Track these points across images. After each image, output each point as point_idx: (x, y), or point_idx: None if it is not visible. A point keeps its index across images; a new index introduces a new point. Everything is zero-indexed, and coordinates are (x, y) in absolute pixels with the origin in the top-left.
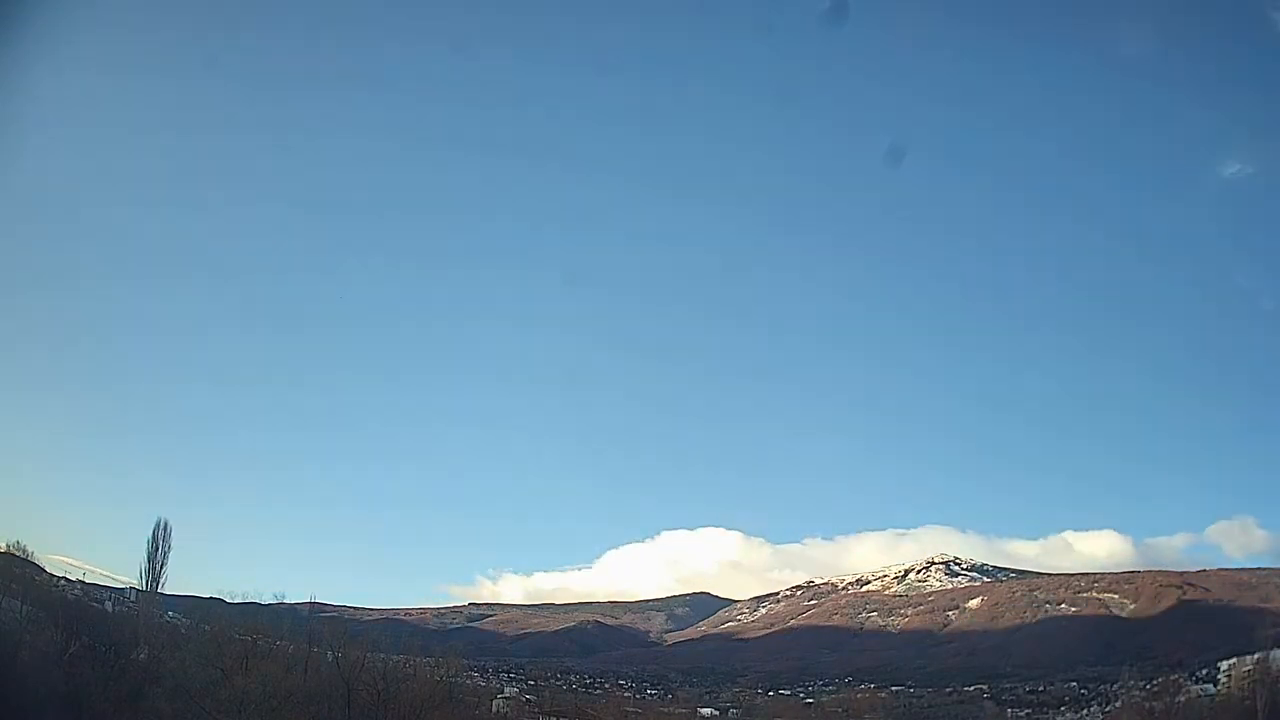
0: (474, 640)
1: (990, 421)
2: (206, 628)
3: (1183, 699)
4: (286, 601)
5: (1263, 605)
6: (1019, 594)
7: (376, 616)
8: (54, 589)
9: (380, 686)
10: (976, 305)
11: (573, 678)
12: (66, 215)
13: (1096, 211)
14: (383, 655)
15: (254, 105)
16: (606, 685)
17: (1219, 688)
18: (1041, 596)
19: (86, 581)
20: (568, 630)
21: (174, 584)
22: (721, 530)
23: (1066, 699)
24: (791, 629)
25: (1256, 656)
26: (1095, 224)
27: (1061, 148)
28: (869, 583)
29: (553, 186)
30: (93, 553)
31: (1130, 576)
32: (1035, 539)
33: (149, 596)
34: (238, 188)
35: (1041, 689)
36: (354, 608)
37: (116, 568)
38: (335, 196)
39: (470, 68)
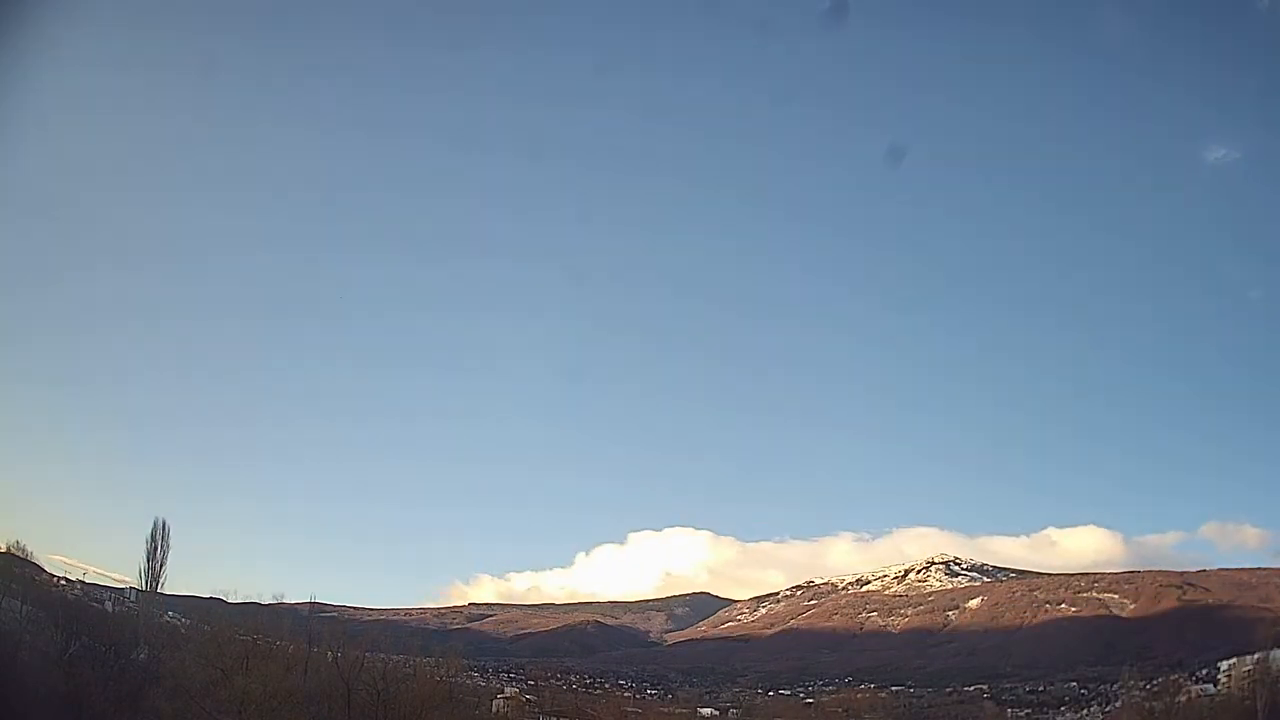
0: (474, 640)
1: (970, 418)
2: (206, 628)
3: (1183, 699)
4: (286, 602)
5: (1263, 605)
6: (1019, 594)
7: (376, 616)
8: (54, 589)
9: (380, 686)
10: (965, 301)
11: (573, 678)
12: (64, 210)
13: (1083, 202)
14: (383, 655)
15: (256, 101)
16: (606, 685)
17: (1219, 688)
18: (1041, 596)
19: (86, 581)
20: (568, 630)
21: (174, 584)
22: (691, 530)
23: (1066, 699)
24: (791, 629)
25: (1256, 656)
26: (1081, 214)
27: (1050, 136)
28: (869, 583)
29: (553, 183)
30: (92, 553)
31: (1130, 576)
32: (1018, 535)
33: (149, 596)
34: (237, 182)
35: (1041, 689)
36: (354, 608)
37: (116, 568)
38: (335, 191)
39: (471, 66)
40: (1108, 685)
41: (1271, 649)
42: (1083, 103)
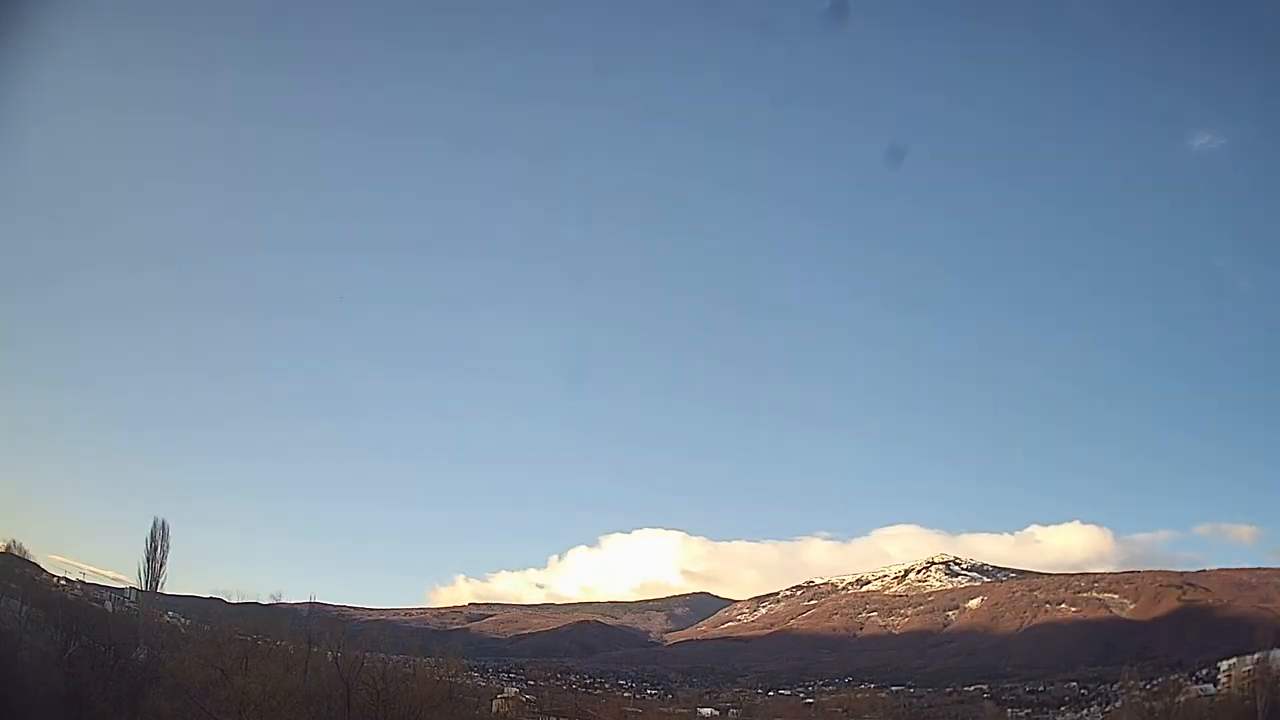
0: (474, 640)
1: (955, 416)
2: (206, 628)
3: (1183, 699)
4: (286, 601)
5: (1263, 605)
6: (1019, 594)
7: (376, 616)
8: (54, 589)
9: (380, 686)
10: (960, 300)
11: (573, 678)
12: (64, 209)
13: (1082, 202)
14: (382, 655)
15: (256, 101)
16: (606, 685)
17: (1219, 688)
18: (1041, 596)
19: (86, 581)
20: (568, 630)
21: (173, 584)
22: (662, 530)
23: (1066, 699)
24: (791, 629)
25: (1256, 656)
26: (1080, 214)
27: (1049, 136)
28: (869, 583)
29: (553, 183)
30: (92, 553)
31: (1130, 576)
32: (1001, 533)
33: (148, 596)
34: (237, 181)
35: (1041, 689)
36: (354, 608)
37: (116, 568)
38: (334, 191)
39: (471, 66)
40: (1108, 685)
41: (1271, 649)
42: (1081, 102)
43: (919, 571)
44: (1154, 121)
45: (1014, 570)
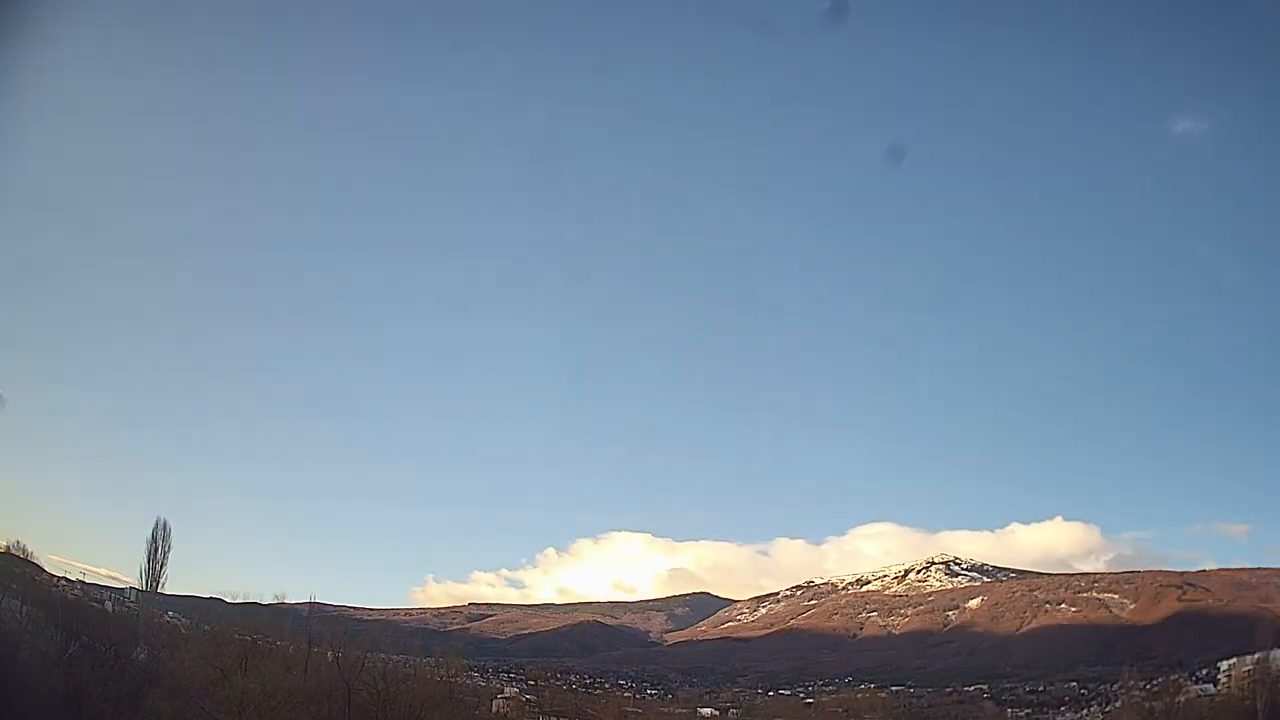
0: (474, 640)
1: (930, 414)
2: (206, 628)
3: (1183, 699)
4: (286, 602)
5: (1263, 605)
6: (1019, 594)
7: (376, 616)
8: (54, 589)
9: (380, 687)
10: (953, 300)
11: (573, 678)
12: (64, 208)
13: (1068, 193)
14: (383, 655)
15: (256, 100)
16: (606, 685)
17: (1219, 688)
18: (1041, 596)
19: (86, 581)
20: (568, 630)
21: (174, 584)
22: (629, 533)
23: (1066, 699)
24: (791, 629)
25: (1256, 656)
26: (1066, 205)
27: (1049, 136)
28: (869, 583)
29: (553, 182)
30: (92, 553)
31: (1130, 577)
32: (979, 530)
33: (149, 596)
34: (237, 181)
35: (1041, 689)
36: (354, 608)
37: (116, 568)
38: (334, 191)
39: (471, 66)
40: (1108, 685)
41: (1271, 649)
42: (1081, 102)
43: (919, 571)
44: (1136, 108)
45: (1014, 570)
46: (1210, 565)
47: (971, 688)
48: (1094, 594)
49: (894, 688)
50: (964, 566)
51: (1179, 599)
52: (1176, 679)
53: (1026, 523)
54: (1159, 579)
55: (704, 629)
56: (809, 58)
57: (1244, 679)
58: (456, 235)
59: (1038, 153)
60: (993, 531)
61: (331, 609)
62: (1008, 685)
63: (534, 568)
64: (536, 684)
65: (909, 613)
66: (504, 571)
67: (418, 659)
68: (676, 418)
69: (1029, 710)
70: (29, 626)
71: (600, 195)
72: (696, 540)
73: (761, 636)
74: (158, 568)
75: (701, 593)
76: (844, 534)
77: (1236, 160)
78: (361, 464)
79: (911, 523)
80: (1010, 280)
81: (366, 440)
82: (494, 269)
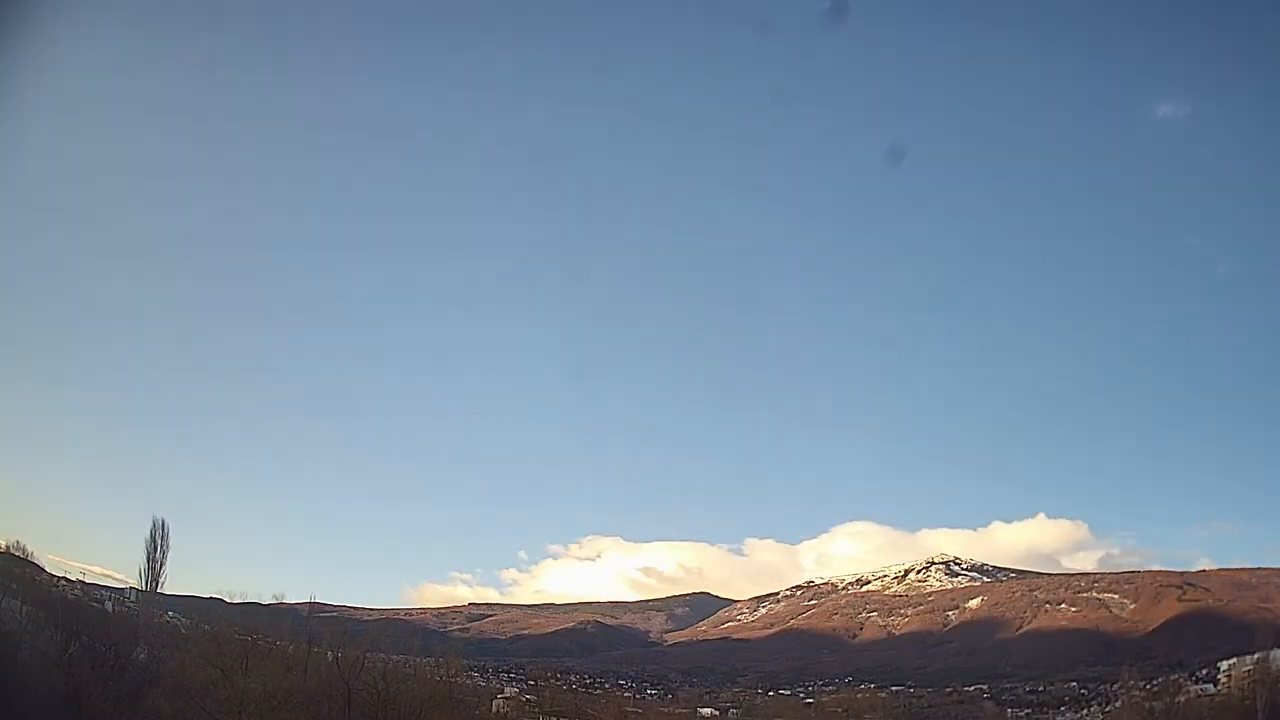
0: (474, 640)
1: (906, 411)
2: (206, 628)
3: (1183, 699)
4: (286, 601)
5: (1263, 605)
6: (1019, 594)
7: (376, 616)
8: (54, 589)
9: (380, 687)
10: (947, 297)
11: (573, 678)
12: (64, 207)
13: (1052, 182)
14: (383, 655)
15: (256, 100)
16: (606, 685)
17: (1219, 688)
18: (1041, 597)
19: (86, 581)
20: (568, 630)
21: (174, 584)
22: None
23: (1066, 699)
24: (791, 629)
25: (1256, 656)
26: (1033, 187)
27: (1049, 136)
28: (869, 583)
29: (554, 182)
30: (92, 553)
31: (1130, 577)
32: (960, 529)
33: (149, 596)
34: (237, 180)
35: (1041, 689)
36: (354, 608)
37: (116, 568)
38: (335, 190)
39: (471, 66)
40: (1108, 685)
41: (1271, 649)
42: (1081, 102)
43: (919, 571)
44: (1132, 105)
45: (1014, 570)
46: (1205, 562)
47: (971, 688)
48: (1094, 594)
49: (894, 688)
50: (964, 566)
51: (1179, 599)
52: (1176, 679)
53: (1008, 521)
54: (1159, 579)
55: (704, 629)
56: (809, 58)
57: (1244, 679)
58: (456, 235)
59: (1037, 152)
60: (974, 530)
61: (331, 609)
62: (1008, 685)
63: (524, 572)
64: (536, 684)
65: (909, 613)
66: (504, 571)
67: (418, 659)
68: (673, 417)
69: (1029, 710)
70: (29, 626)
71: (600, 195)
72: (666, 540)
73: (761, 636)
74: (157, 568)
75: (701, 593)
76: (828, 531)
77: (1219, 149)
78: (361, 464)
79: (892, 522)
80: (1007, 279)
81: (366, 440)
82: (494, 269)
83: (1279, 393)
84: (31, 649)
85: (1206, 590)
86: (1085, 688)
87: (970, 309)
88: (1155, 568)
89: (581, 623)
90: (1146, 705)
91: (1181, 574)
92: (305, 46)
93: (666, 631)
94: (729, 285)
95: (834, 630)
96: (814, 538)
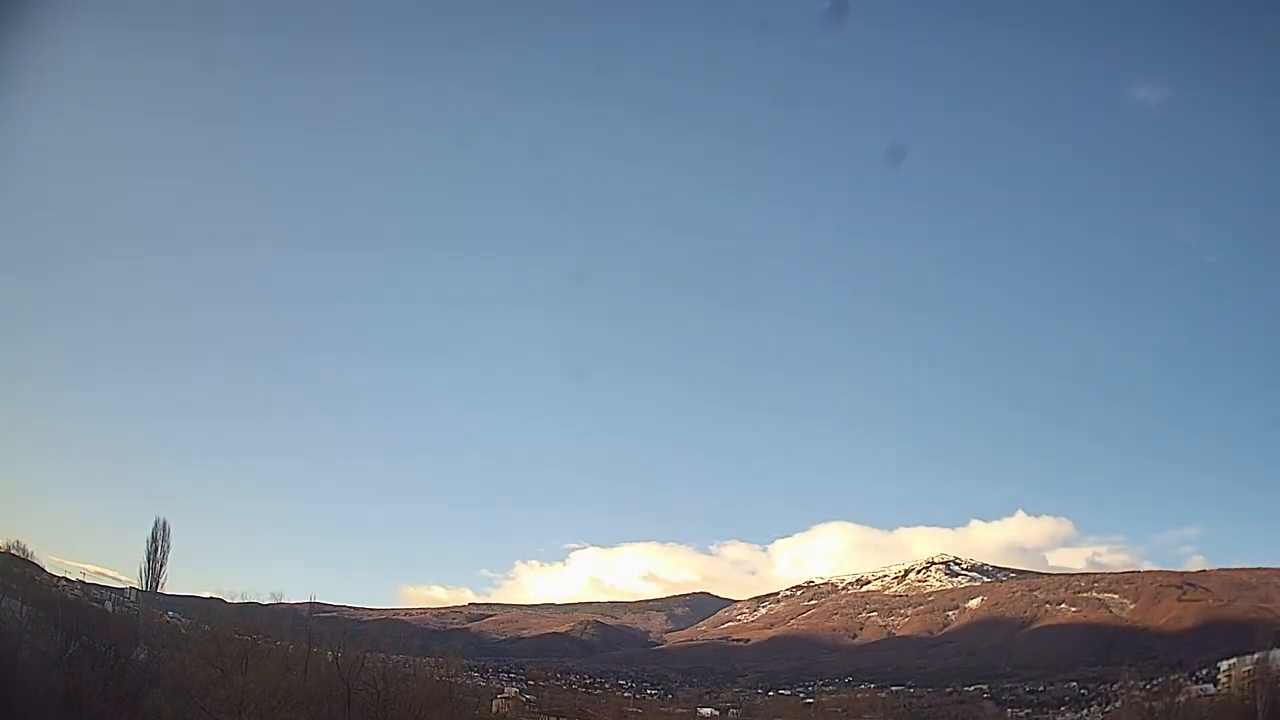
0: (474, 640)
1: (873, 408)
2: (206, 628)
3: (1183, 699)
4: (286, 601)
5: (1263, 605)
6: (1019, 594)
7: (376, 616)
8: (54, 589)
9: (380, 687)
10: (946, 297)
11: (573, 678)
12: (64, 205)
13: (1083, 202)
14: (383, 655)
15: (257, 99)
16: (606, 685)
17: (1219, 688)
18: (1041, 596)
19: (86, 581)
20: (568, 630)
21: (174, 584)
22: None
23: (1066, 699)
24: (791, 629)
25: (1256, 656)
26: (1066, 205)
27: (1049, 136)
28: (869, 583)
29: (554, 181)
30: (92, 553)
31: (1130, 577)
32: (937, 528)
33: (149, 596)
34: (238, 178)
35: (1041, 689)
36: (354, 608)
37: (116, 568)
38: (335, 188)
39: (472, 65)
40: (1108, 685)
41: (1271, 649)
42: (1081, 102)
43: (919, 571)
44: (1097, 72)
45: (1014, 570)
46: (1198, 560)
47: (971, 688)
48: (1094, 594)
49: (894, 688)
50: (964, 566)
51: (1179, 599)
52: (1176, 679)
53: (987, 520)
54: (1159, 579)
55: (704, 629)
56: (809, 58)
57: (1244, 679)
58: (456, 235)
59: (1037, 152)
60: (953, 529)
61: (331, 609)
62: (1008, 685)
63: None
64: (536, 684)
65: (909, 613)
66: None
67: (418, 659)
68: (671, 417)
69: (1029, 710)
70: (29, 626)
71: (600, 195)
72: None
73: (761, 636)
74: (158, 567)
75: (701, 593)
76: (806, 530)
77: (1197, 136)
78: (362, 463)
79: (870, 521)
80: (1004, 279)
81: (367, 439)
82: (494, 268)
83: (1274, 388)
84: (31, 649)
85: (1206, 590)
86: (1085, 688)
87: (959, 307)
88: (1149, 567)
89: (581, 623)
90: (1146, 705)
91: (1181, 574)
92: (305, 46)
93: (666, 631)
94: (728, 285)
95: (834, 630)
96: (789, 536)
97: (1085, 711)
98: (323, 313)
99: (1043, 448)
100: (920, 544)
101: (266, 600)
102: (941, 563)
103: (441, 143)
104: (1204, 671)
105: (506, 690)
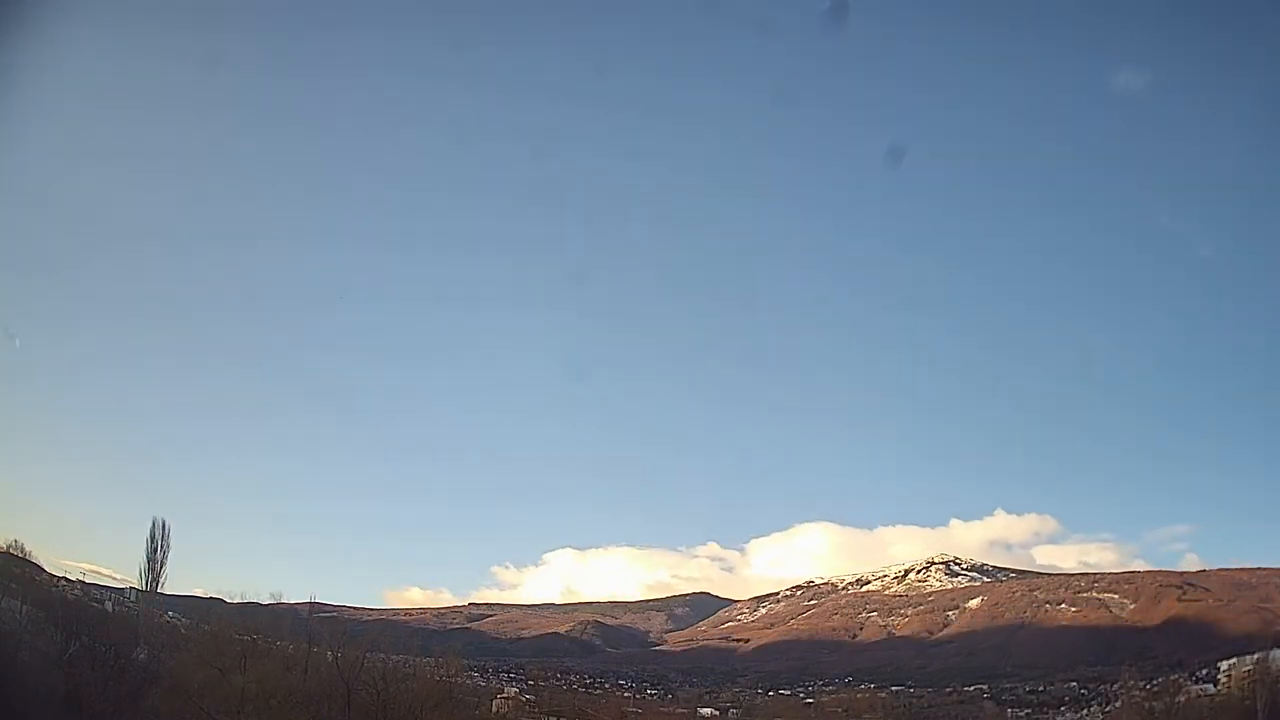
0: (474, 640)
1: (858, 406)
2: (206, 628)
3: (1183, 699)
4: (286, 601)
5: (1263, 605)
6: (1019, 594)
7: (376, 616)
8: (54, 589)
9: (380, 687)
10: (945, 296)
11: (573, 678)
12: (64, 204)
13: (1083, 203)
14: (382, 655)
15: (258, 98)
16: (606, 685)
17: (1219, 688)
18: (1041, 596)
19: (86, 581)
20: (568, 630)
21: (173, 584)
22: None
23: (1066, 699)
24: (791, 629)
25: (1256, 656)
26: (1066, 205)
27: (1049, 136)
28: (869, 583)
29: (554, 181)
30: (92, 553)
31: (1130, 577)
32: (914, 526)
33: (149, 596)
34: (239, 177)
35: (1041, 689)
36: (354, 608)
37: (116, 568)
38: (335, 188)
39: (472, 65)
40: (1108, 685)
41: (1271, 649)
42: (1081, 102)
43: (919, 571)
44: (1070, 54)
45: (1014, 570)
46: (1191, 558)
47: (971, 688)
48: (1094, 594)
49: (894, 688)
50: (964, 566)
51: (1179, 599)
52: (1176, 679)
53: (966, 520)
54: (1159, 579)
55: (704, 629)
56: (809, 58)
57: (1244, 679)
58: (456, 234)
59: (1038, 152)
60: (932, 528)
61: (331, 609)
62: (1008, 685)
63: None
64: (536, 684)
65: (909, 613)
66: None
67: (418, 659)
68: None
69: (1029, 710)
70: (29, 626)
71: (600, 195)
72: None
73: (762, 636)
74: (157, 568)
75: (701, 593)
76: (785, 530)
77: (1179, 116)
78: (363, 463)
79: (850, 521)
80: (999, 278)
81: (368, 438)
82: (494, 268)
83: (1271, 385)
84: (31, 649)
85: (1206, 590)
86: (1085, 688)
87: (955, 307)
88: (1141, 564)
89: (581, 623)
90: (1146, 705)
91: (1181, 574)
92: (306, 45)
93: (666, 631)
94: (728, 285)
95: (834, 630)
96: (767, 536)
97: (1085, 711)
98: (322, 313)
99: (1023, 445)
100: (901, 543)
101: (266, 600)
102: (941, 563)
103: (441, 143)
104: (1204, 671)
105: (506, 690)
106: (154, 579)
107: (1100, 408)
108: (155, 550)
